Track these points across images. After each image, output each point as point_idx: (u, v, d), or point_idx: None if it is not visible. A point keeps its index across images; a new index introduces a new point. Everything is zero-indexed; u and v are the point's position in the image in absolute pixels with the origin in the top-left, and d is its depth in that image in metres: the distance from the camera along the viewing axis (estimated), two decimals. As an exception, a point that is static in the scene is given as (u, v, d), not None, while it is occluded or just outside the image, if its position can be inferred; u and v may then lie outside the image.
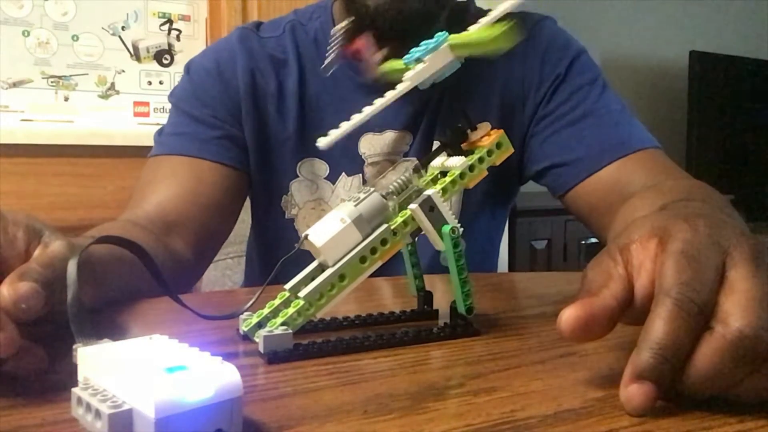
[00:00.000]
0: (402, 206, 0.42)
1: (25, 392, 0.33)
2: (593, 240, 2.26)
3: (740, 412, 0.30)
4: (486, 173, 0.44)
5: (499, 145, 0.44)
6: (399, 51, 0.79)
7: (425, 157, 0.46)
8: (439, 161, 0.45)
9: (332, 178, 0.81)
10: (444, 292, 0.56)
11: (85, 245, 0.35)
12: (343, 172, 0.81)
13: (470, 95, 0.80)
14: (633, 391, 0.30)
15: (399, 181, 0.43)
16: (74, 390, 0.27)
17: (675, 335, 0.30)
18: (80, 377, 0.29)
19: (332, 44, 0.52)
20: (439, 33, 0.44)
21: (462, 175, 0.43)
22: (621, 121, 0.78)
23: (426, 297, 0.49)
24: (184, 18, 1.93)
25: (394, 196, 0.42)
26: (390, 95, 0.43)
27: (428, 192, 0.41)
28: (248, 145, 0.80)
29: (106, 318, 0.49)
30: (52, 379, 0.35)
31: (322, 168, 0.81)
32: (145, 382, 0.25)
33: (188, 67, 0.84)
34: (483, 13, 0.86)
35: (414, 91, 0.88)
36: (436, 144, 0.81)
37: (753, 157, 2.99)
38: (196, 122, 0.79)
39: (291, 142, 0.80)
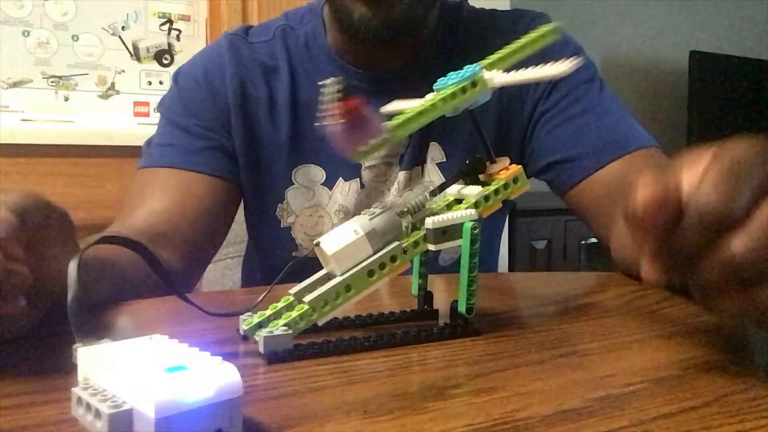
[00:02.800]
0: (415, 227, 0.43)
1: (25, 392, 0.33)
2: (593, 240, 2.26)
3: (740, 413, 0.30)
4: (500, 205, 0.45)
5: (516, 180, 0.45)
6: (385, 52, 0.80)
7: (442, 183, 0.46)
8: (456, 188, 0.45)
9: (329, 183, 0.80)
10: (444, 292, 0.56)
11: (87, 245, 0.35)
12: (340, 177, 0.80)
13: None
14: (648, 267, 0.33)
15: (415, 201, 0.43)
16: (74, 390, 0.27)
17: (689, 240, 0.31)
18: (80, 377, 0.29)
19: (325, 101, 0.49)
20: (474, 64, 0.45)
21: (477, 204, 0.43)
22: (621, 120, 0.78)
23: (426, 297, 0.49)
24: (184, 18, 1.93)
25: (409, 216, 0.42)
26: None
27: (428, 225, 0.41)
28: (239, 154, 0.79)
29: (106, 318, 0.49)
30: (52, 379, 0.35)
31: (319, 174, 0.80)
32: (145, 382, 0.25)
33: (176, 76, 0.83)
34: (476, 13, 0.86)
35: (406, 92, 0.88)
36: (433, 145, 0.81)
37: (753, 157, 2.99)
38: (184, 133, 0.79)
39: (284, 150, 0.80)
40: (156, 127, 0.83)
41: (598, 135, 0.76)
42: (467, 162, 0.45)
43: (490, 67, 0.46)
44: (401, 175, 0.80)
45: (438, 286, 0.59)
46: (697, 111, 2.82)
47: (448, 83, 0.44)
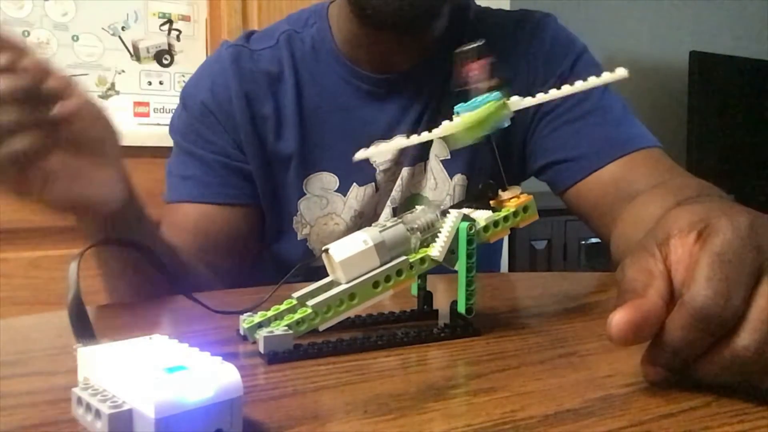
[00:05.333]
0: (423, 244, 0.43)
1: (25, 392, 0.33)
2: (593, 240, 2.25)
3: (740, 413, 0.30)
4: (508, 232, 0.45)
5: (525, 209, 0.45)
6: (398, 45, 0.79)
7: (452, 204, 0.47)
8: (466, 212, 0.46)
9: (343, 190, 0.80)
10: (444, 292, 0.56)
11: (87, 246, 0.35)
12: (355, 183, 0.79)
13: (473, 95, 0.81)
14: (648, 370, 0.33)
15: (425, 219, 0.43)
16: (74, 390, 0.27)
17: (688, 342, 0.31)
18: (80, 377, 0.29)
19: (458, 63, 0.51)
20: (495, 93, 0.46)
21: (486, 229, 0.44)
22: (623, 120, 0.78)
23: (426, 297, 0.49)
24: (184, 18, 1.93)
25: (418, 233, 0.43)
26: (441, 130, 0.45)
27: (435, 256, 0.42)
28: (254, 172, 0.79)
29: (106, 318, 0.49)
30: (52, 379, 0.35)
31: (332, 181, 0.79)
32: (145, 382, 0.25)
33: (184, 101, 0.82)
34: (483, 13, 0.86)
35: (414, 93, 0.87)
36: (437, 141, 0.80)
37: (753, 156, 2.99)
38: (199, 162, 0.78)
39: (294, 161, 0.79)
40: (165, 121, 0.83)
41: (600, 136, 0.76)
42: (479, 187, 0.46)
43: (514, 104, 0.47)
44: (405, 171, 0.80)
45: (438, 286, 0.58)
46: (697, 111, 2.82)
47: (469, 106, 0.45)
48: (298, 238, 0.81)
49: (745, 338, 0.30)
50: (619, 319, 0.31)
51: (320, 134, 0.79)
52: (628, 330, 0.31)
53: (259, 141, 0.79)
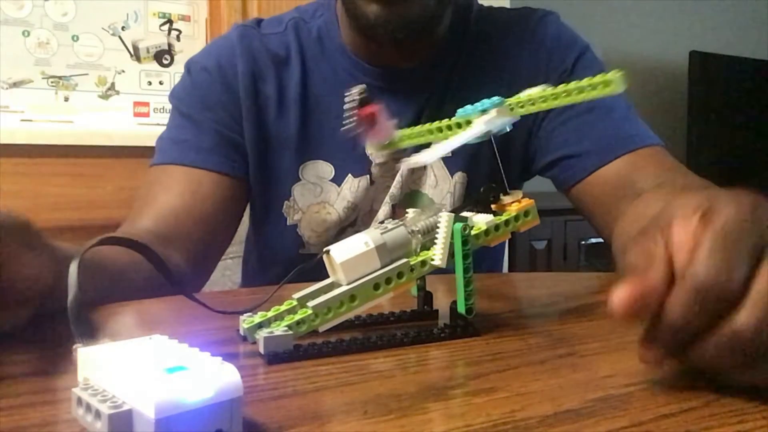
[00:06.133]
0: (424, 246, 0.43)
1: (25, 392, 0.33)
2: (593, 240, 2.25)
3: (740, 413, 0.30)
4: (509, 236, 0.46)
5: (526, 213, 0.46)
6: (399, 52, 0.79)
7: (453, 208, 0.47)
8: (467, 215, 0.46)
9: (338, 180, 0.80)
10: (444, 292, 0.56)
11: (88, 247, 0.35)
12: (350, 174, 0.80)
13: (475, 92, 0.81)
14: (645, 353, 0.33)
15: (426, 222, 0.43)
16: (74, 390, 0.27)
17: (689, 319, 0.30)
18: (80, 377, 0.29)
19: (347, 110, 0.49)
20: (496, 97, 0.46)
21: (486, 232, 0.44)
22: (626, 118, 0.79)
23: (426, 297, 0.49)
24: (184, 18, 1.93)
25: (419, 235, 0.43)
26: (463, 136, 0.45)
27: (437, 263, 0.42)
28: (248, 149, 0.79)
29: (106, 318, 0.49)
30: (52, 379, 0.35)
31: (327, 170, 0.80)
32: (145, 382, 0.25)
33: (189, 67, 0.82)
34: (485, 11, 0.87)
35: (417, 88, 0.87)
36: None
37: (753, 156, 2.99)
38: (196, 127, 0.78)
39: (293, 145, 0.79)
40: (164, 121, 0.83)
41: (604, 132, 0.76)
42: (481, 190, 0.46)
43: (517, 105, 0.46)
44: (404, 167, 0.80)
45: (437, 286, 0.58)
46: (697, 111, 2.82)
47: (467, 112, 0.45)
48: (288, 224, 0.81)
49: (744, 315, 0.29)
50: (620, 292, 0.31)
51: (320, 122, 0.79)
52: (629, 304, 0.31)
53: (258, 118, 0.79)
